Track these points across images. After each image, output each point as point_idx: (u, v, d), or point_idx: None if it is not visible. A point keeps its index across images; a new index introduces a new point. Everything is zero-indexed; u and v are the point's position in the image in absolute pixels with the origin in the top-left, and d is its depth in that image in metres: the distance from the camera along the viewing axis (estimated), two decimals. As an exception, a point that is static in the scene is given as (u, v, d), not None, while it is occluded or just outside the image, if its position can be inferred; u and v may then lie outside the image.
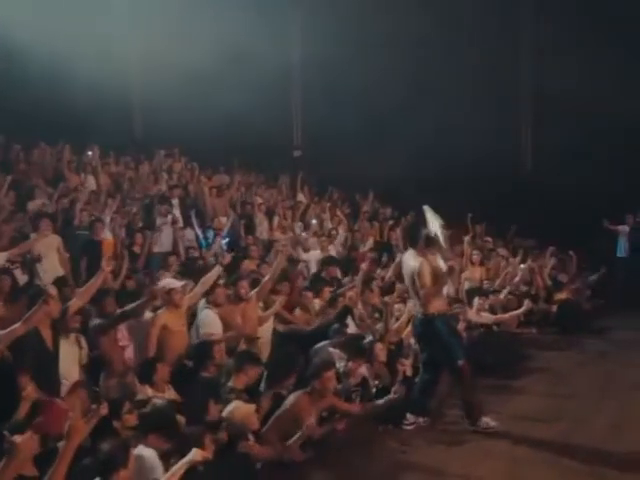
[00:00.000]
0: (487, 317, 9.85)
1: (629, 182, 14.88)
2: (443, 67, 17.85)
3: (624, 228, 14.00)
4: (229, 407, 5.32)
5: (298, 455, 5.69)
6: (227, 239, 11.47)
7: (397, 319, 8.32)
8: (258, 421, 5.42)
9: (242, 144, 17.72)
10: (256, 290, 7.93)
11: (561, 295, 11.93)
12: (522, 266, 11.68)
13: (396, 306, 8.48)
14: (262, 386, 6.33)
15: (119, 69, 16.69)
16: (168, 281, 7.30)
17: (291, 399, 6.07)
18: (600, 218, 13.92)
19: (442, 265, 6.66)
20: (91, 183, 12.64)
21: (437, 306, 6.63)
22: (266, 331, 7.99)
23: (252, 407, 5.35)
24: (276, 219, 13.32)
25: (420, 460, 6.03)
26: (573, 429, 6.66)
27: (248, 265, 9.79)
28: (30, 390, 5.04)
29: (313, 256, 10.85)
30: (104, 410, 4.09)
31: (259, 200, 14.13)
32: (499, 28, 17.79)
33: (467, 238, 11.03)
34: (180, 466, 4.25)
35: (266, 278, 8.09)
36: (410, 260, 6.72)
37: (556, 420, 6.87)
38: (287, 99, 20.86)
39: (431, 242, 6.66)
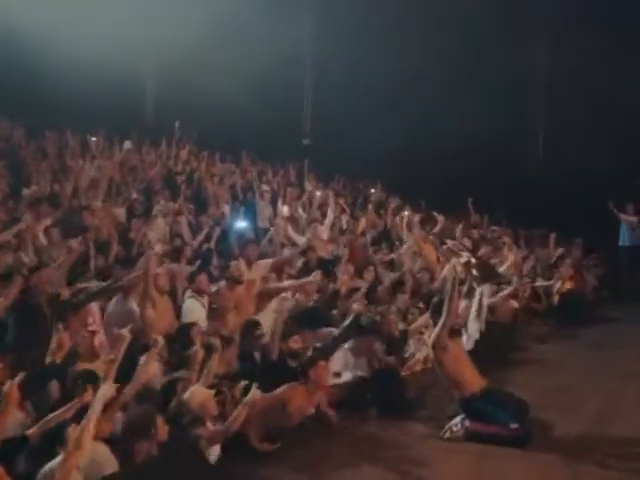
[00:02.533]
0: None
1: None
2: (453, 53, 17.42)
3: (627, 217, 13.42)
4: (188, 391, 5.13)
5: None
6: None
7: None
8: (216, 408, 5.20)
9: (252, 132, 17.63)
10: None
11: (564, 285, 11.51)
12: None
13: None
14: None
15: (130, 54, 16.62)
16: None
17: (284, 387, 5.90)
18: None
19: None
20: (92, 170, 12.58)
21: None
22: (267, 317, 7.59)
23: (211, 393, 5.15)
24: (281, 207, 13.06)
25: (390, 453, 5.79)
26: (555, 421, 6.35)
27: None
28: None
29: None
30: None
31: (264, 188, 13.88)
32: (510, 13, 17.34)
33: (459, 226, 10.52)
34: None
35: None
36: None
37: (538, 411, 6.51)
38: (298, 87, 20.57)
39: None
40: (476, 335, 6.85)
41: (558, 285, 11.48)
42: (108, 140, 13.99)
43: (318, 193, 12.60)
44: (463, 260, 6.27)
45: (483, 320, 6.82)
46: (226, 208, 12.26)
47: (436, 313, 6.08)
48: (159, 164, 14.01)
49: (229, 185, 13.64)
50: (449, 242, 6.39)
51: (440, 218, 11.54)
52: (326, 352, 6.32)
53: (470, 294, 6.63)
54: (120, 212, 10.76)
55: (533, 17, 18.11)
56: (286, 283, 8.04)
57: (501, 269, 10.46)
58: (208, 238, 9.91)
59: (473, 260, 6.43)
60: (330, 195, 11.50)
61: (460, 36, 17.29)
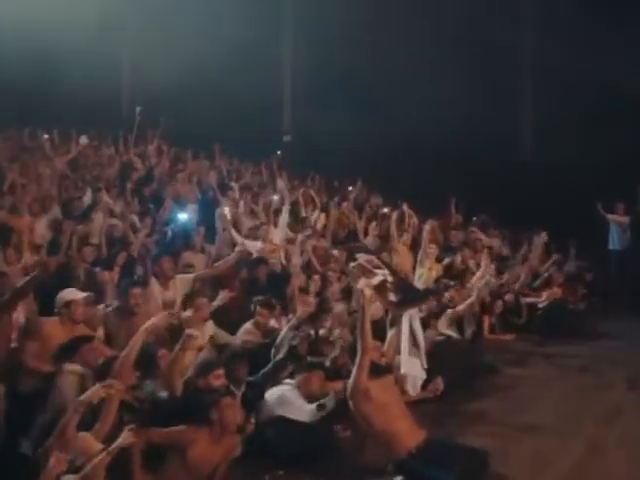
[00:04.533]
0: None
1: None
2: (438, 45, 15.95)
3: (617, 218, 11.90)
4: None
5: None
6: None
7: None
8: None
9: (230, 128, 16.45)
10: None
11: (550, 292, 10.02)
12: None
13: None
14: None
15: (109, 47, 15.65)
16: (68, 291, 5.82)
17: (182, 427, 4.51)
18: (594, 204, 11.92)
19: None
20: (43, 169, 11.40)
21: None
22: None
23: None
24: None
25: None
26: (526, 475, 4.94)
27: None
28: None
29: (253, 247, 8.95)
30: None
31: (233, 185, 12.47)
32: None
33: (427, 227, 8.85)
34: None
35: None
36: None
37: (501, 465, 5.07)
38: (277, 82, 19.44)
39: None
40: (421, 374, 5.24)
41: (544, 296, 10.01)
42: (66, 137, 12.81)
43: (275, 197, 11.14)
44: (376, 281, 4.71)
45: (423, 353, 5.15)
46: (192, 207, 10.93)
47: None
48: (118, 160, 12.78)
49: (195, 183, 12.30)
50: (361, 257, 4.81)
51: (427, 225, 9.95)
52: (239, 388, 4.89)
53: (395, 321, 5.06)
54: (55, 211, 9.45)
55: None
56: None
57: (474, 277, 9.17)
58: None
59: (390, 279, 4.82)
60: (283, 188, 10.02)
61: (443, 29, 15.93)
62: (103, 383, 4.20)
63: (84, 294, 5.83)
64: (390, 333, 4.98)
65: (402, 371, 4.87)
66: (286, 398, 5.23)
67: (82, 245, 8.03)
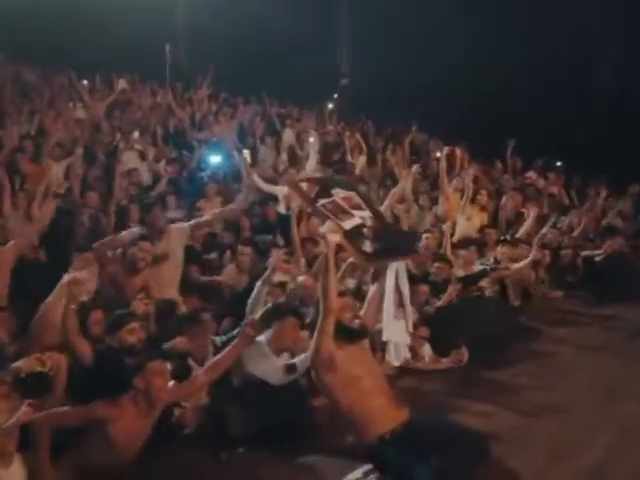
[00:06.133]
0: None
1: None
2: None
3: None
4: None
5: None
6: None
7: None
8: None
9: (286, 72, 15.61)
10: None
11: (609, 245, 8.62)
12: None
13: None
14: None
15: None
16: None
17: (97, 403, 3.76)
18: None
19: None
20: (79, 113, 11.08)
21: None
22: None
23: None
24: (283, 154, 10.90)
25: None
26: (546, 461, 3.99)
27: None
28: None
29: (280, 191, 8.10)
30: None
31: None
32: None
33: (470, 171, 7.49)
34: None
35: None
36: None
37: (527, 445, 4.17)
38: (334, 25, 18.25)
39: None
40: (405, 339, 4.15)
41: (604, 249, 8.65)
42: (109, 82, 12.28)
43: (311, 139, 10.25)
44: (349, 224, 3.64)
45: (409, 314, 4.05)
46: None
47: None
48: (157, 105, 12.17)
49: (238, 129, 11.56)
50: (338, 194, 3.72)
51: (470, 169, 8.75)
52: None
53: (378, 275, 4.01)
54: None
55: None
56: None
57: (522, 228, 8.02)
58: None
59: (370, 224, 3.73)
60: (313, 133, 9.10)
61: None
62: None
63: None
64: (372, 290, 3.99)
65: (384, 337, 3.88)
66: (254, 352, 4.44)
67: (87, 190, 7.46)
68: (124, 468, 3.76)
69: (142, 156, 9.53)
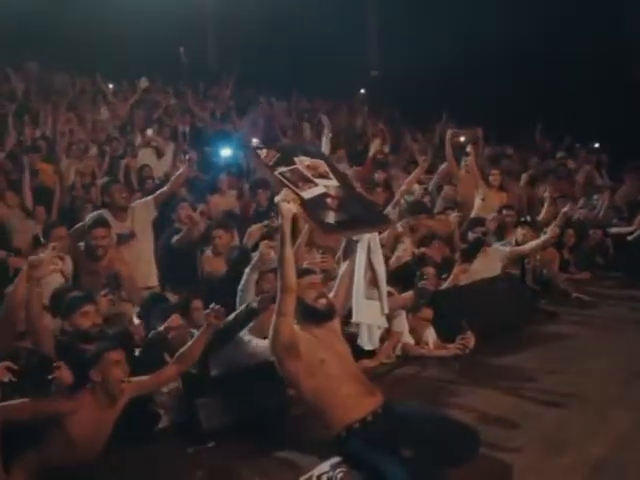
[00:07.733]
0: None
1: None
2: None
3: None
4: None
5: None
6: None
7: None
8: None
9: (315, 65, 15.41)
10: None
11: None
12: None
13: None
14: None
15: None
16: None
17: (53, 397, 3.52)
18: None
19: None
20: (104, 114, 11.03)
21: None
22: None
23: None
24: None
25: None
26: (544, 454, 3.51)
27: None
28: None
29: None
30: None
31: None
32: None
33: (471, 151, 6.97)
34: None
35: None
36: None
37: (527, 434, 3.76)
38: (364, 16, 17.82)
39: None
40: (380, 322, 3.63)
41: (635, 224, 7.99)
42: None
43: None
44: (310, 194, 3.20)
45: (384, 294, 3.57)
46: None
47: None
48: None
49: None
50: (302, 161, 3.28)
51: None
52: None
53: (349, 251, 3.54)
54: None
55: None
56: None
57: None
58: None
59: (334, 193, 3.28)
60: (324, 119, 8.69)
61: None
62: None
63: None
64: (342, 268, 3.58)
65: (354, 319, 3.45)
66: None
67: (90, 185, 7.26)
68: (88, 466, 3.45)
69: (158, 153, 9.33)
